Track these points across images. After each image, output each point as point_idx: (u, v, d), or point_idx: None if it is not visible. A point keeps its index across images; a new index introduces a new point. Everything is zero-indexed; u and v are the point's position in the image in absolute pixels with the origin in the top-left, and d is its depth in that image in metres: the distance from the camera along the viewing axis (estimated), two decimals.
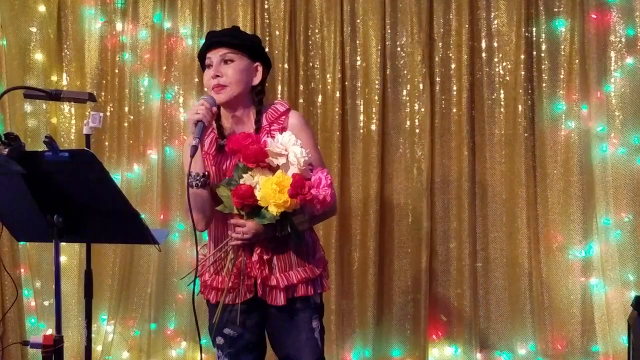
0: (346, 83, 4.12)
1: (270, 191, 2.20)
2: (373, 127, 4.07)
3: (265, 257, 2.44)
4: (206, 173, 2.42)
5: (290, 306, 2.50)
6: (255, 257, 2.44)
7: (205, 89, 2.53)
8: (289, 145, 2.27)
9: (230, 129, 2.52)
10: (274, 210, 2.22)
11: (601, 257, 3.90)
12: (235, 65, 2.45)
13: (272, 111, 2.51)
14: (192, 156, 2.26)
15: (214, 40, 2.47)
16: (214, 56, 2.46)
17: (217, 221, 2.52)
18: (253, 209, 2.27)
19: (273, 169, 2.31)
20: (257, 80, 2.50)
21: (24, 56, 4.24)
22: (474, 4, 4.04)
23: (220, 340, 2.58)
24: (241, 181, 2.28)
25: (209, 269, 2.58)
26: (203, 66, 2.52)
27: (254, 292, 2.50)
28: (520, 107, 3.97)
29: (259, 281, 2.47)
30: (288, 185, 2.20)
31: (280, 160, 2.28)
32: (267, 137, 2.40)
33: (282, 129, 2.45)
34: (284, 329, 2.54)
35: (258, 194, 2.23)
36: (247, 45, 2.48)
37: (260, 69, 2.51)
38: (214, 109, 2.41)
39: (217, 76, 2.44)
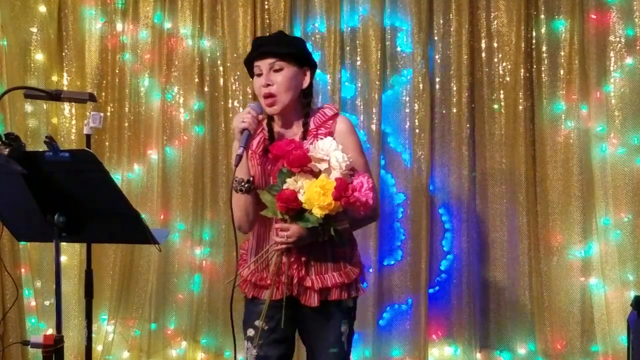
0: (346, 83, 4.12)
1: (315, 194, 2.25)
2: (373, 127, 4.07)
3: (302, 258, 2.49)
4: (250, 179, 2.47)
5: (323, 308, 2.54)
6: (292, 258, 2.48)
7: (256, 95, 2.56)
8: (330, 151, 2.32)
9: (279, 131, 2.58)
10: (318, 213, 2.27)
11: (601, 257, 3.91)
12: (284, 73, 2.48)
13: (320, 115, 2.55)
14: (236, 165, 2.34)
15: (262, 50, 2.50)
16: (263, 65, 2.49)
17: (260, 222, 2.56)
18: (297, 212, 2.32)
19: (315, 174, 2.36)
20: (305, 84, 2.55)
21: (24, 56, 4.24)
22: (474, 4, 4.04)
23: (250, 332, 2.61)
24: (284, 186, 2.32)
25: (248, 266, 2.61)
26: (251, 73, 2.56)
27: (290, 291, 2.53)
28: (520, 107, 3.97)
29: (295, 280, 2.51)
30: (332, 188, 2.25)
31: (323, 165, 2.33)
32: (314, 140, 2.45)
33: (329, 133, 2.49)
34: (314, 329, 2.59)
35: (302, 197, 2.29)
36: (295, 54, 2.51)
37: (308, 73, 2.56)
38: (261, 116, 2.48)
39: (268, 85, 2.47)
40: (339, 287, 2.53)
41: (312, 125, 2.53)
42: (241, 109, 4.17)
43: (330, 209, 2.27)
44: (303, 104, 2.56)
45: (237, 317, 4.04)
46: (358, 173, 2.38)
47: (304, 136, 2.51)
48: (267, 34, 4.12)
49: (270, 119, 2.58)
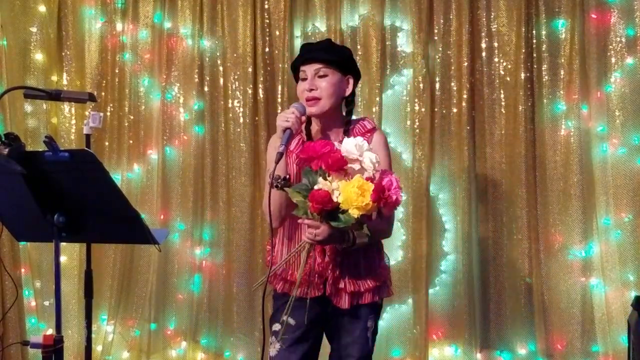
0: None
1: (353, 194, 2.26)
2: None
3: (338, 259, 2.53)
4: (287, 176, 2.49)
5: (353, 309, 2.60)
6: (327, 259, 2.53)
7: (298, 99, 2.60)
8: (364, 150, 2.34)
9: (318, 136, 2.62)
10: (355, 213, 2.28)
11: (601, 257, 3.91)
12: (328, 80, 2.55)
13: (360, 127, 2.62)
14: (276, 162, 2.36)
15: (308, 56, 2.57)
16: (309, 70, 2.56)
17: (290, 219, 2.60)
18: (329, 213, 2.33)
19: (347, 174, 2.37)
20: (348, 92, 2.61)
21: (24, 56, 4.24)
22: (474, 4, 4.04)
23: (277, 326, 2.63)
24: (317, 186, 2.33)
25: (279, 260, 2.64)
26: (296, 77, 2.62)
27: (323, 291, 2.58)
28: (520, 107, 3.97)
29: (329, 281, 2.56)
30: (369, 189, 2.27)
31: (356, 166, 2.35)
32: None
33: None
34: (341, 324, 2.63)
35: (338, 198, 2.30)
36: (340, 61, 2.57)
37: (351, 81, 2.62)
38: (303, 117, 2.53)
39: (312, 89, 2.54)
40: (371, 291, 2.60)
41: (352, 134, 2.58)
42: (241, 109, 4.17)
43: (367, 209, 2.28)
44: (344, 112, 2.63)
45: (236, 317, 4.01)
46: (383, 171, 2.38)
47: None
48: (267, 34, 4.16)
49: (309, 122, 2.63)
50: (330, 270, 2.54)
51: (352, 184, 2.28)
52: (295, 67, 2.62)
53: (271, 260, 2.50)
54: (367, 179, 2.30)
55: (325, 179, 2.32)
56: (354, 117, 2.68)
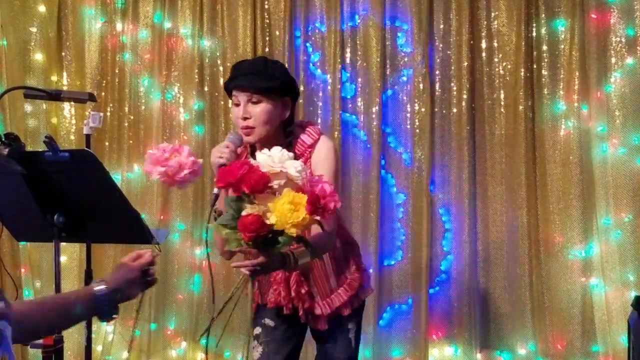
0: (346, 83, 4.12)
1: (286, 212, 2.01)
2: (373, 127, 4.07)
3: (303, 290, 2.49)
4: None
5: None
6: (292, 294, 2.49)
7: (233, 125, 2.50)
8: (284, 162, 2.09)
9: None
10: (293, 232, 2.03)
11: (601, 257, 3.91)
12: (263, 106, 2.37)
13: (300, 145, 2.44)
14: (212, 205, 2.19)
15: (240, 83, 2.39)
16: (241, 97, 2.38)
17: None
18: (265, 238, 2.08)
19: (275, 191, 2.11)
20: (286, 114, 2.43)
21: (24, 56, 4.24)
22: (474, 4, 4.04)
23: (257, 330, 2.61)
24: (244, 213, 2.05)
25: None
26: (230, 94, 2.46)
27: (293, 313, 2.54)
28: (520, 107, 3.97)
29: (301, 310, 2.53)
30: (302, 201, 2.02)
31: (282, 180, 2.11)
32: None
33: (307, 161, 2.42)
34: (325, 331, 2.60)
35: (271, 219, 2.03)
36: (275, 87, 2.38)
37: (288, 102, 2.44)
38: (240, 149, 2.39)
39: (246, 118, 2.37)
40: (348, 302, 2.56)
41: (296, 155, 2.41)
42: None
43: (305, 224, 2.03)
44: (284, 133, 2.45)
45: (236, 317, 4.01)
46: (312, 179, 2.11)
47: None
48: (267, 34, 4.15)
49: (254, 146, 2.46)
50: (299, 301, 2.50)
51: (283, 200, 2.01)
52: (228, 89, 2.45)
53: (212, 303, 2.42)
54: (298, 190, 2.05)
55: (252, 202, 2.06)
56: (304, 120, 2.56)
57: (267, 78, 2.37)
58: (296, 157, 2.35)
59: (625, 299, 3.76)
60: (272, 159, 2.07)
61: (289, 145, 2.42)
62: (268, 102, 2.37)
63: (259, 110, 2.36)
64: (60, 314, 1.71)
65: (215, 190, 2.20)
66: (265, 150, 2.10)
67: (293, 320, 2.57)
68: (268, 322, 2.57)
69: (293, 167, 2.08)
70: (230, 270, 4.17)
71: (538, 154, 4.00)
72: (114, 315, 1.79)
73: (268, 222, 2.02)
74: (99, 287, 1.76)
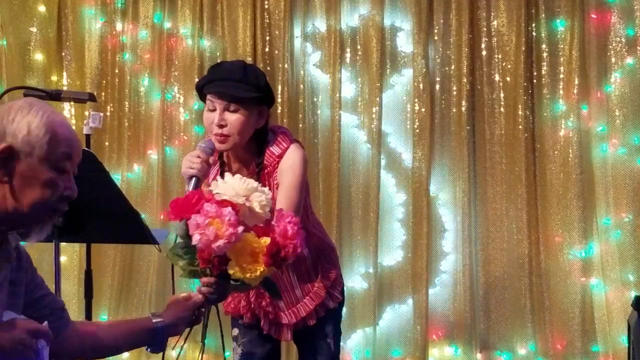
0: (346, 83, 4.12)
1: (245, 264, 1.87)
2: (373, 127, 4.07)
3: (264, 302, 2.46)
4: None
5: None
6: (252, 305, 2.48)
7: (206, 129, 2.38)
8: (251, 192, 1.93)
9: (235, 168, 2.40)
10: (254, 282, 1.92)
11: (601, 257, 3.91)
12: (239, 115, 2.26)
13: (269, 154, 2.35)
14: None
15: (218, 90, 2.27)
16: (218, 103, 2.26)
17: None
18: (222, 273, 1.93)
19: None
20: (261, 123, 2.33)
21: (24, 56, 4.24)
22: (474, 4, 4.04)
23: (235, 331, 2.60)
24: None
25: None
26: (202, 99, 2.34)
27: (256, 323, 2.53)
28: (520, 107, 3.97)
29: (264, 320, 2.51)
30: (262, 250, 1.87)
31: (246, 211, 1.94)
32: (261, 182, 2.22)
33: (274, 169, 2.35)
34: (301, 335, 2.57)
35: (230, 269, 1.89)
36: (254, 98, 2.28)
37: (265, 110, 2.34)
38: (212, 159, 2.31)
39: (222, 125, 2.26)
40: (314, 312, 2.49)
41: (266, 163, 2.36)
42: None
43: (263, 275, 1.89)
44: (257, 142, 2.35)
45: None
46: (279, 214, 1.96)
47: (258, 176, 2.33)
48: (267, 34, 4.14)
49: (223, 156, 2.39)
50: (260, 311, 2.47)
51: (240, 247, 1.86)
52: (202, 92, 2.32)
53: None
54: (257, 229, 1.90)
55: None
56: (277, 125, 2.50)
57: (246, 87, 2.26)
58: (265, 167, 2.33)
59: (625, 299, 3.76)
60: (235, 191, 1.91)
61: (259, 154, 2.35)
62: (245, 110, 2.26)
63: (235, 119, 2.25)
64: (125, 339, 1.93)
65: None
66: (228, 178, 1.96)
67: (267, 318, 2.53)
68: (245, 321, 2.56)
69: (257, 202, 1.93)
70: None
71: (538, 154, 4.00)
72: (164, 349, 2.00)
73: (230, 271, 1.88)
74: (157, 320, 1.96)
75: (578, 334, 3.93)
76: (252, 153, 2.37)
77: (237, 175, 1.97)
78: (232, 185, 1.92)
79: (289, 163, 2.33)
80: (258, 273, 1.88)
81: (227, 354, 4.22)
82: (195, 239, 1.85)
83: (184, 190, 2.23)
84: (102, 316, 4.28)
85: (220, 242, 1.83)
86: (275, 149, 2.35)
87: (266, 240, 1.87)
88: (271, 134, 2.39)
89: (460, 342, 4.03)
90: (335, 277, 2.55)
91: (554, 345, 3.96)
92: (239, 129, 2.26)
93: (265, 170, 2.35)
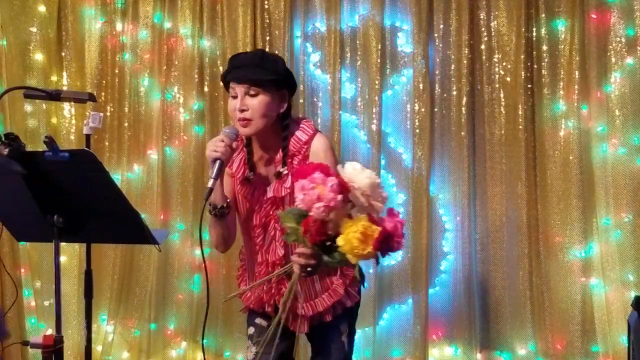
0: (346, 83, 4.12)
1: (354, 240, 1.96)
2: (373, 127, 4.07)
3: (284, 288, 2.46)
4: (225, 205, 2.40)
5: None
6: (273, 290, 2.49)
7: (230, 117, 2.46)
8: (375, 189, 2.01)
9: (259, 155, 2.48)
10: (353, 260, 1.99)
11: (601, 257, 3.91)
12: (260, 99, 2.35)
13: (295, 141, 2.42)
14: (206, 199, 2.22)
15: (238, 75, 2.37)
16: (239, 89, 2.36)
17: (246, 235, 2.54)
18: (325, 245, 2.04)
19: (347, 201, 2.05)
20: (283, 107, 2.41)
21: (24, 56, 4.24)
22: (474, 4, 4.04)
23: (251, 330, 2.61)
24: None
25: (244, 281, 2.62)
26: (227, 87, 2.44)
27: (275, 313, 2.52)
28: (520, 107, 3.97)
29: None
30: (373, 234, 1.96)
31: (363, 202, 2.02)
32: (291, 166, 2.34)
33: (305, 158, 2.41)
34: (315, 332, 2.59)
35: (338, 241, 1.99)
36: (273, 80, 2.37)
37: (286, 95, 2.42)
38: (235, 143, 2.36)
39: (243, 110, 2.35)
40: (331, 309, 2.53)
41: (291, 150, 2.42)
42: None
43: (367, 257, 1.99)
44: (281, 127, 2.43)
45: (236, 317, 4.02)
46: (391, 212, 2.06)
47: (284, 162, 2.41)
48: (267, 34, 4.15)
49: (250, 138, 2.46)
50: (280, 298, 2.47)
51: (356, 227, 1.97)
52: (225, 81, 2.43)
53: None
54: (371, 218, 2.00)
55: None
56: (299, 116, 2.58)
57: (265, 70, 2.36)
58: (291, 154, 2.39)
59: (625, 299, 3.76)
60: (365, 183, 1.99)
61: (284, 140, 2.42)
62: (266, 94, 2.35)
63: (257, 102, 2.35)
64: None
65: (210, 183, 2.23)
66: (356, 165, 2.02)
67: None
68: (260, 321, 2.57)
69: (379, 205, 2.02)
70: (230, 270, 4.18)
71: (538, 154, 4.00)
72: None
73: (339, 242, 1.98)
74: None
75: (578, 334, 3.93)
76: (276, 139, 2.43)
77: (367, 171, 2.03)
78: (360, 174, 2.00)
79: (322, 147, 2.41)
80: (365, 253, 1.96)
81: (226, 353, 4.24)
82: (299, 198, 1.97)
83: (208, 175, 2.28)
84: (102, 316, 4.28)
85: (321, 205, 1.93)
86: (301, 135, 2.42)
87: (377, 229, 1.96)
88: (294, 124, 2.45)
89: (460, 342, 4.04)
90: (353, 276, 2.56)
91: (554, 345, 3.96)
92: (260, 112, 2.34)
93: (291, 155, 2.41)
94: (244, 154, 2.48)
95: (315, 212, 1.95)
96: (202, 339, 2.57)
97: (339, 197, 1.94)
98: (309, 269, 2.12)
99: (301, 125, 2.45)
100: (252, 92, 2.35)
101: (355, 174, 2.02)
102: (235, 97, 2.38)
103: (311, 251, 2.08)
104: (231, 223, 2.47)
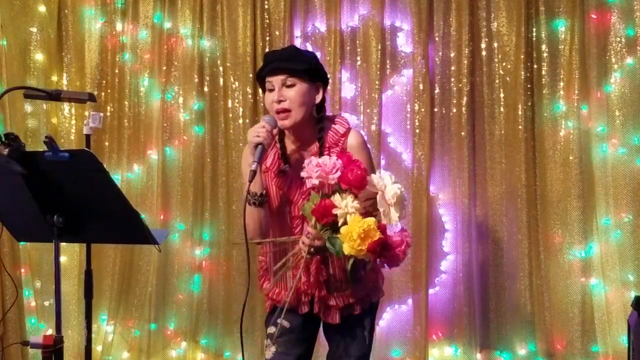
0: (346, 83, 4.12)
1: (354, 233, 2.14)
2: (373, 127, 4.07)
3: (320, 278, 2.51)
4: (264, 192, 2.45)
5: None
6: (312, 279, 2.50)
7: (268, 111, 2.52)
8: (399, 197, 2.21)
9: (294, 149, 2.55)
10: (346, 250, 2.18)
11: (601, 257, 3.91)
12: (297, 89, 2.44)
13: (333, 133, 2.52)
14: (250, 180, 2.30)
15: (274, 67, 2.45)
16: (275, 81, 2.44)
17: (278, 229, 2.57)
18: (331, 230, 2.23)
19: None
20: (318, 99, 2.50)
21: (24, 56, 4.24)
22: (474, 4, 4.04)
23: (272, 329, 2.62)
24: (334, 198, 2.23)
25: (270, 278, 2.64)
26: (263, 87, 2.51)
27: (310, 308, 2.57)
28: (520, 107, 3.97)
29: (316, 299, 2.55)
30: (373, 237, 2.14)
31: (382, 206, 2.23)
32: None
33: (342, 150, 2.48)
34: (339, 328, 2.61)
35: (341, 229, 2.19)
36: (307, 70, 2.46)
37: (320, 87, 2.51)
38: (275, 130, 2.44)
39: (281, 100, 2.43)
40: (361, 300, 2.58)
41: (326, 143, 2.51)
42: (241, 109, 4.17)
43: (359, 254, 2.16)
44: (316, 119, 2.51)
45: (236, 317, 4.01)
46: (402, 229, 2.27)
47: (321, 153, 2.48)
48: (267, 34, 4.15)
49: (283, 133, 2.54)
50: (316, 289, 2.52)
51: (362, 224, 2.14)
52: (261, 77, 2.51)
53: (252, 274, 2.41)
54: (380, 225, 2.19)
55: (342, 193, 2.23)
56: (329, 114, 2.62)
57: (300, 61, 2.45)
58: (328, 146, 2.49)
59: (625, 299, 3.76)
60: (388, 193, 2.21)
61: (320, 130, 2.51)
62: (302, 84, 2.44)
63: (294, 92, 2.43)
64: None
65: (253, 166, 2.31)
66: (390, 180, 2.24)
67: (307, 321, 2.59)
68: (284, 322, 2.58)
69: (392, 192, 2.21)
70: (230, 270, 4.18)
71: (538, 154, 4.00)
72: None
73: (335, 217, 2.19)
74: None
75: (578, 334, 3.93)
76: (312, 132, 2.51)
77: (396, 184, 2.24)
78: (392, 183, 2.23)
79: (359, 141, 2.53)
80: (358, 249, 2.14)
81: (226, 353, 4.24)
82: (314, 162, 2.24)
83: (250, 161, 2.36)
84: (102, 316, 4.28)
85: (335, 175, 2.22)
86: (339, 128, 2.52)
87: (379, 234, 2.15)
88: (328, 121, 2.54)
89: (460, 342, 4.04)
90: (380, 272, 2.67)
91: (554, 345, 3.96)
92: (298, 101, 2.43)
93: (328, 147, 2.49)
94: (277, 149, 2.54)
95: (332, 179, 2.19)
96: (241, 331, 2.58)
97: (339, 162, 2.22)
98: (312, 249, 2.29)
99: (337, 119, 2.55)
100: (288, 83, 2.43)
101: (389, 181, 2.22)
102: (272, 90, 2.45)
103: (317, 232, 2.24)
104: (267, 213, 2.51)
